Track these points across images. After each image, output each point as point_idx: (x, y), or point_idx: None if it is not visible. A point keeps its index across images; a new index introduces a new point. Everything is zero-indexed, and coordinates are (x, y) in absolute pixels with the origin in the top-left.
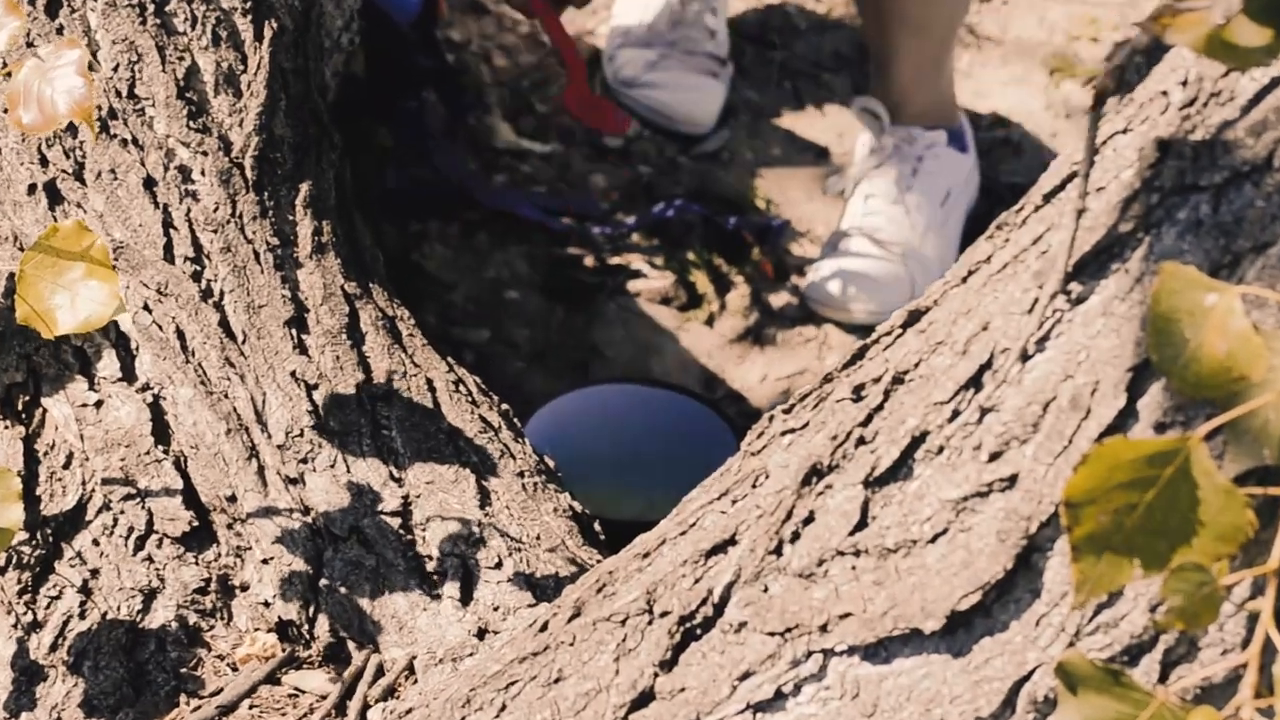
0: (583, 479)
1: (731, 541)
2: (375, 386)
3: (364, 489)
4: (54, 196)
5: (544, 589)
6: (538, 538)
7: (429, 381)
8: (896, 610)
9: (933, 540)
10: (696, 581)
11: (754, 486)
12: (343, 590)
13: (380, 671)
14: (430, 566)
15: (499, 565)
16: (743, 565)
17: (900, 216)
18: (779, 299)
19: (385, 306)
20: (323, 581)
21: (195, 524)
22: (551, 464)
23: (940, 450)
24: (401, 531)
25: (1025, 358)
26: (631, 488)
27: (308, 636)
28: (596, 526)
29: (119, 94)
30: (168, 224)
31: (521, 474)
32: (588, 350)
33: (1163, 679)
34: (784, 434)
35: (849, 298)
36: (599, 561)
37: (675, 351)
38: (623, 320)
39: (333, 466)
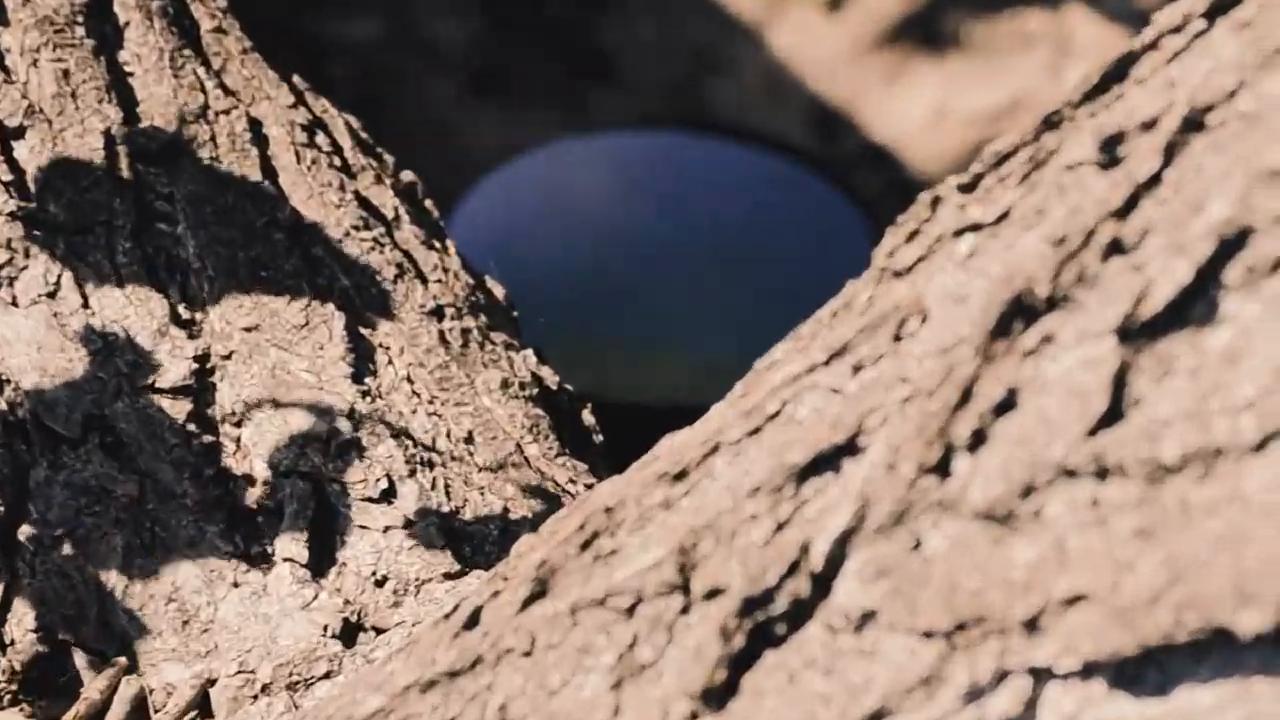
0: (566, 322)
1: (850, 448)
2: (145, 134)
3: (115, 341)
4: None
5: (478, 541)
6: (468, 439)
7: (254, 125)
8: (1181, 589)
9: (1259, 447)
10: (779, 528)
11: (897, 339)
12: (66, 550)
13: (140, 710)
14: (250, 497)
15: (389, 495)
16: (871, 495)
17: None
18: None
19: None
20: (24, 530)
21: None
22: (502, 293)
23: (1277, 267)
24: (192, 427)
25: None
26: (659, 339)
27: None
28: (588, 416)
29: None
30: None
31: (438, 312)
32: (586, 61)
33: None
34: (960, 233)
35: None
36: (588, 487)
37: (761, 64)
38: (655, 2)
39: (52, 296)
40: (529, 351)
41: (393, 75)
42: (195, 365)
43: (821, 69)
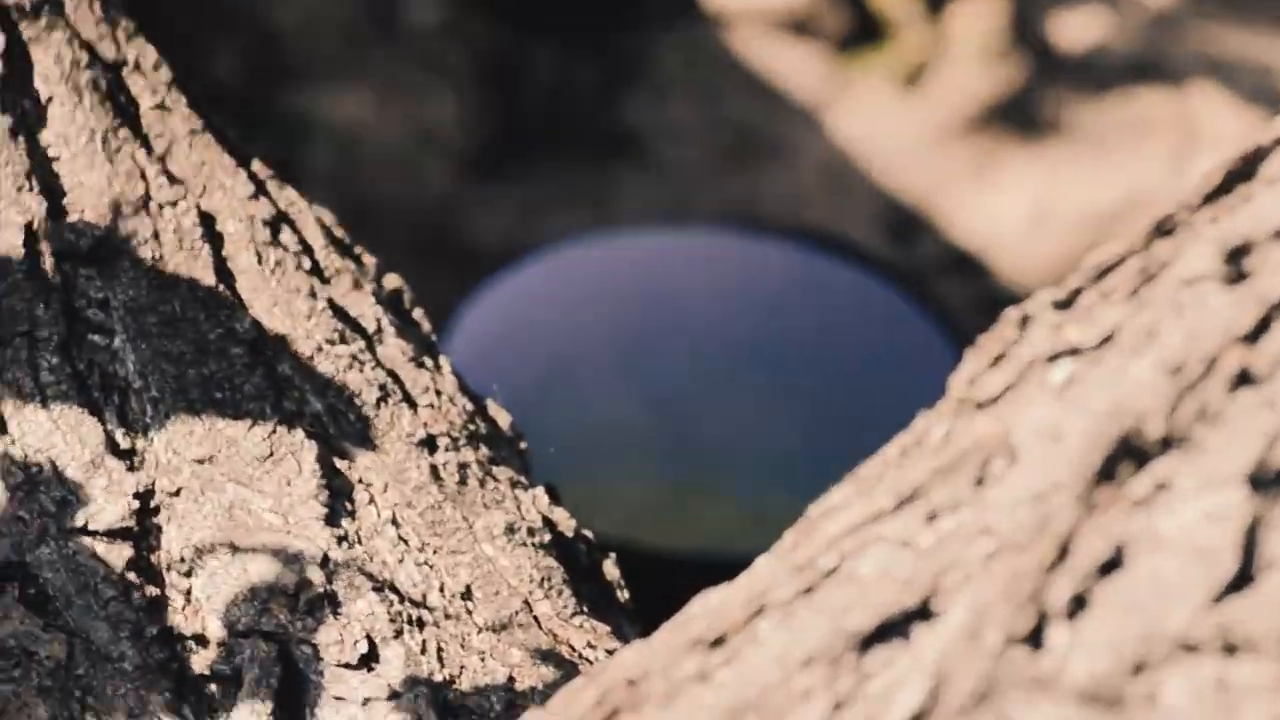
0: (584, 456)
1: (923, 613)
2: (74, 229)
3: (39, 474)
4: None
5: (476, 717)
6: (465, 594)
7: (205, 219)
8: None
9: None
10: (838, 708)
11: (980, 483)
12: None
13: None
14: (201, 661)
15: (370, 660)
16: (950, 670)
17: None
18: (1080, 17)
19: (98, 31)
20: None
21: None
22: (508, 420)
23: None
24: (132, 577)
25: None
26: (697, 477)
27: None
28: (611, 568)
29: None
30: None
31: (429, 442)
32: (611, 144)
33: None
34: (1055, 359)
35: None
36: (610, 653)
37: (821, 150)
38: (695, 75)
39: None
40: (539, 490)
41: (381, 160)
42: (136, 503)
43: (895, 158)
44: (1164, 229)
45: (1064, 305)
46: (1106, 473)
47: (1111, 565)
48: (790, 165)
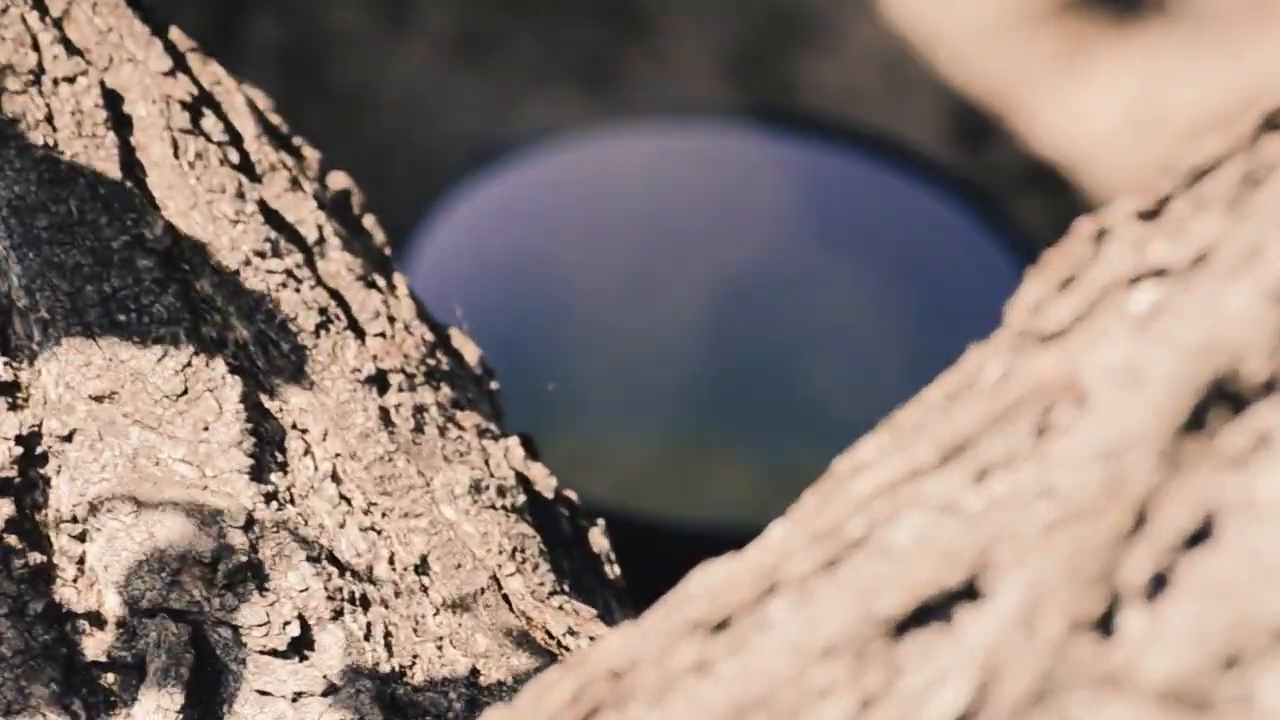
0: (570, 400)
1: (969, 593)
2: None
3: None
4: None
5: (432, 717)
6: (421, 567)
7: (111, 100)
8: None
9: None
10: (865, 707)
11: (1041, 434)
12: None
13: None
14: (96, 644)
15: (302, 645)
16: (1001, 663)
17: None
18: None
19: None
20: None
21: None
22: (476, 354)
23: None
24: (12, 540)
25: None
26: (710, 431)
27: None
28: (599, 538)
29: None
30: None
31: (379, 379)
32: (615, 22)
33: None
34: (1136, 282)
35: None
36: (593, 639)
37: (873, 34)
38: None
39: None
40: (513, 440)
41: (337, 35)
42: (18, 449)
43: (964, 46)
44: (1274, 123)
45: (1150, 216)
46: (1195, 423)
47: (1199, 537)
48: (836, 52)
